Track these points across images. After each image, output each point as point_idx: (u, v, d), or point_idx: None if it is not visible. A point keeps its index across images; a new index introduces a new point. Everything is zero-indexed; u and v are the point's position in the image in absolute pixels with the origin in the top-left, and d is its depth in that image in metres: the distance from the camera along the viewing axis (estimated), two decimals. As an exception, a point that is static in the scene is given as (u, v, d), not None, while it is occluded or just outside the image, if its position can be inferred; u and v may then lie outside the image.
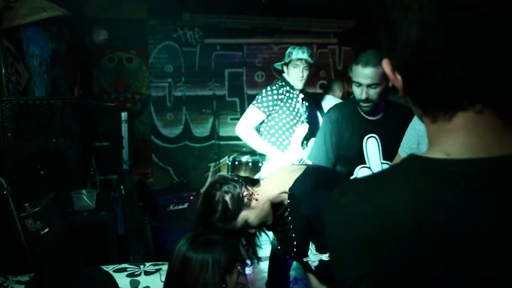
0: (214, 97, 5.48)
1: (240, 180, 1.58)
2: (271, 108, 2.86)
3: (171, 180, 5.24)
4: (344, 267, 0.60)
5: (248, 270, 1.71)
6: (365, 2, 4.80)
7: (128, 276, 1.90)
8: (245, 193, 1.54)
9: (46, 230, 1.97)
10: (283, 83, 2.93)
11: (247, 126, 2.88)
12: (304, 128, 2.89)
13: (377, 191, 0.58)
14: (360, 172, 2.24)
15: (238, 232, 1.59)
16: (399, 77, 0.60)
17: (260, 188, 1.59)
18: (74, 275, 1.87)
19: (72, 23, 3.99)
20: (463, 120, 0.55)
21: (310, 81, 2.99)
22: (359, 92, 2.14)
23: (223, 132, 5.50)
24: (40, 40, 3.15)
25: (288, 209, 1.59)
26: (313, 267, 1.62)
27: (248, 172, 3.93)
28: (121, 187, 2.94)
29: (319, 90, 5.63)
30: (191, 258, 1.38)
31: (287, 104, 2.88)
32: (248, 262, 1.66)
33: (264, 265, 3.05)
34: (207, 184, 1.63)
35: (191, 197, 3.93)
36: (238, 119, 3.13)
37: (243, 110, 5.05)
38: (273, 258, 2.87)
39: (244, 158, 4.03)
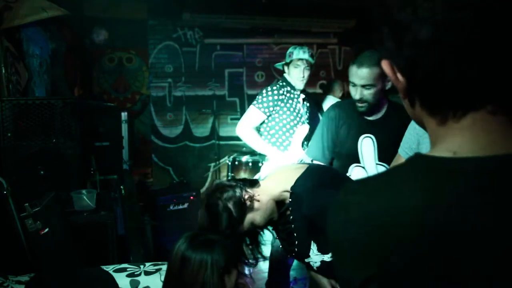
0: (214, 97, 5.48)
1: (239, 184, 1.56)
2: (271, 109, 2.86)
3: (171, 180, 5.24)
4: (349, 268, 0.59)
5: (247, 270, 1.70)
6: (365, 2, 4.79)
7: (128, 276, 1.89)
8: (246, 196, 1.53)
9: (46, 230, 1.97)
10: (284, 83, 2.92)
11: (247, 127, 2.88)
12: (304, 128, 2.89)
13: (383, 191, 0.58)
14: (354, 170, 2.25)
15: (243, 232, 1.58)
16: (401, 78, 0.59)
17: (261, 188, 1.59)
18: (74, 275, 1.87)
19: (72, 23, 3.99)
20: (472, 120, 0.55)
21: (310, 81, 2.98)
22: (353, 92, 2.15)
23: (223, 132, 5.50)
24: (40, 40, 3.15)
25: (290, 208, 1.59)
26: (315, 268, 1.62)
27: (248, 172, 3.93)
28: (121, 187, 2.94)
29: (319, 90, 5.63)
30: (190, 257, 1.38)
31: (288, 105, 2.87)
32: (253, 261, 1.65)
33: (264, 265, 3.05)
34: (205, 194, 1.60)
35: (191, 197, 3.92)
36: (238, 119, 3.13)
37: (243, 110, 5.06)
38: (273, 258, 2.87)
39: (244, 158, 4.02)
